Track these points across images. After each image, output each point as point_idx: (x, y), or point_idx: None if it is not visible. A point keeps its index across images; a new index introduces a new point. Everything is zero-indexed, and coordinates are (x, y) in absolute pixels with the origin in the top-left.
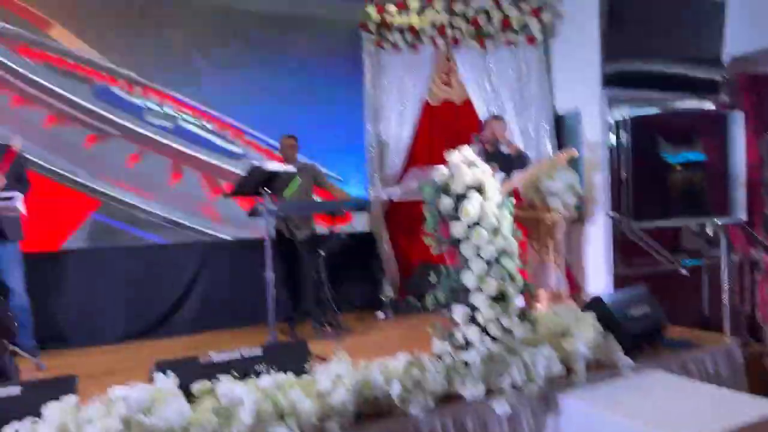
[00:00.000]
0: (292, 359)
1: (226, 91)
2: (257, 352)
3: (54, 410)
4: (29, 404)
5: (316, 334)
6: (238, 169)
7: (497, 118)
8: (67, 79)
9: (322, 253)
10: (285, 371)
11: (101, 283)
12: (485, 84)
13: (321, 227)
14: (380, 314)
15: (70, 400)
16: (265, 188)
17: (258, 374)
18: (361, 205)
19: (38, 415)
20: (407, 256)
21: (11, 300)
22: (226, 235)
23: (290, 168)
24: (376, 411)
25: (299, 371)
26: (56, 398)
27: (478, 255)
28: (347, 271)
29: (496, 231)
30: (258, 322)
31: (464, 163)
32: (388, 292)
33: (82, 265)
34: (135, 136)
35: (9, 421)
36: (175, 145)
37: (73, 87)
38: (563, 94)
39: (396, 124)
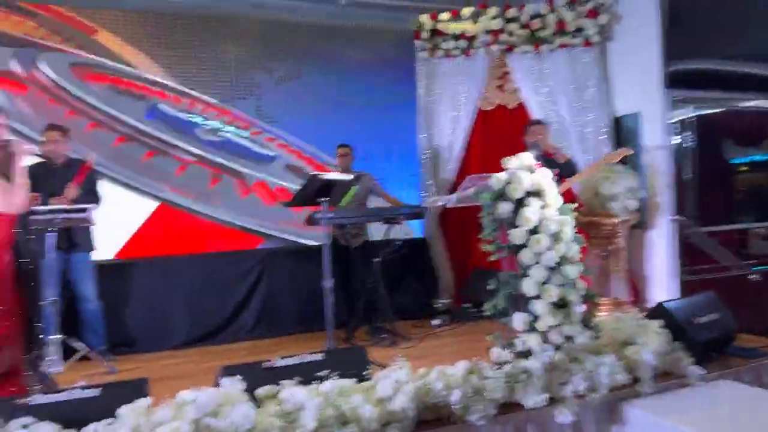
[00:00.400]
0: (352, 365)
1: (282, 103)
2: (318, 357)
3: (128, 412)
4: (106, 405)
5: (372, 340)
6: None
7: (537, 122)
8: (143, 101)
9: (377, 261)
10: (345, 377)
11: (167, 289)
12: (540, 88)
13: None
14: (436, 321)
15: (142, 402)
16: (323, 197)
17: (319, 379)
18: (416, 213)
19: (113, 415)
20: (462, 262)
21: (84, 306)
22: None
23: (347, 177)
24: (436, 418)
25: (359, 377)
26: (130, 400)
27: (538, 262)
28: (402, 278)
29: (556, 237)
30: (315, 328)
31: (522, 168)
32: (443, 299)
33: (149, 272)
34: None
35: (88, 421)
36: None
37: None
38: (622, 96)
39: (449, 130)
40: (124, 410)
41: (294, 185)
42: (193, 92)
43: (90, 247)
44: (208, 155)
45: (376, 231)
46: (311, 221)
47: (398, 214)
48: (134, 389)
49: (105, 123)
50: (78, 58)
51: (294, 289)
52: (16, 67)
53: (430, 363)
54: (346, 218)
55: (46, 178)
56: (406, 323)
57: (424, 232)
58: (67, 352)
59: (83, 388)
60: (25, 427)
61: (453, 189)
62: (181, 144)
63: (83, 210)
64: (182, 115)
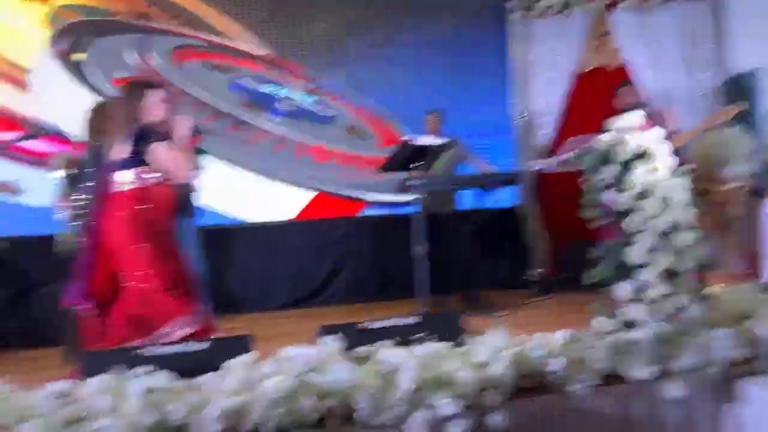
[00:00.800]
0: (447, 330)
1: (374, 71)
2: (413, 320)
3: (236, 365)
4: (213, 358)
5: (463, 308)
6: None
7: (627, 83)
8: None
9: (468, 228)
10: (440, 341)
11: (267, 254)
12: (645, 47)
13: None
14: (528, 291)
15: (248, 356)
16: (415, 163)
17: (414, 342)
18: (510, 179)
19: (221, 367)
20: (558, 231)
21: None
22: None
23: (439, 142)
24: (535, 385)
25: (454, 342)
26: (236, 354)
27: (647, 228)
28: (494, 246)
29: (666, 201)
30: (405, 295)
31: (629, 129)
32: (537, 269)
33: (250, 238)
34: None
35: (197, 372)
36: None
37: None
38: (740, 53)
39: (544, 93)
40: (231, 363)
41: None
42: (283, 61)
43: (192, 213)
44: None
45: (468, 198)
46: (403, 188)
47: (491, 181)
48: (240, 344)
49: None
50: (182, 39)
51: (385, 256)
52: (132, 58)
53: (525, 332)
54: (438, 185)
55: None
56: (497, 292)
57: (517, 199)
58: None
59: (193, 341)
60: (143, 374)
61: (547, 155)
62: (266, 114)
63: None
64: (270, 87)
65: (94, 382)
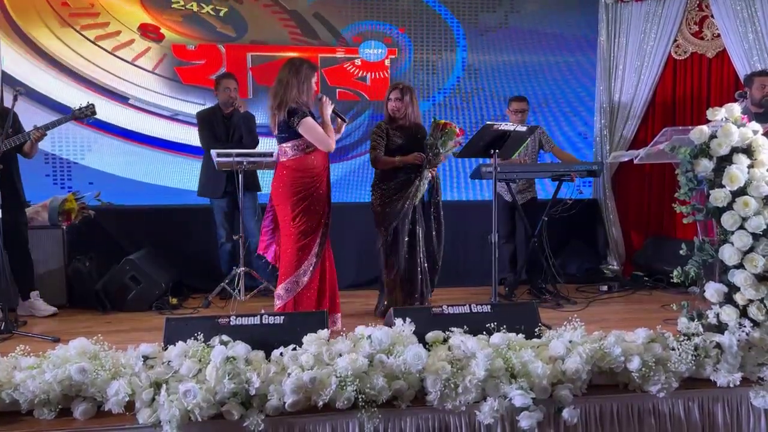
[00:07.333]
0: (522, 320)
1: (482, 55)
2: (486, 309)
3: (311, 340)
4: (289, 332)
5: (534, 300)
6: None
7: (764, 73)
8: None
9: (544, 219)
10: (513, 332)
11: (337, 234)
12: (748, 34)
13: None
14: (603, 287)
15: (323, 332)
16: (494, 149)
17: (488, 331)
18: (590, 170)
19: (294, 341)
20: (636, 227)
21: (250, 240)
22: None
23: (522, 128)
24: (610, 383)
25: (528, 333)
26: (310, 330)
27: (743, 227)
28: (569, 239)
29: (766, 200)
30: (472, 282)
31: (729, 121)
32: (612, 264)
33: None
34: None
35: (272, 344)
36: None
37: None
38: None
39: (633, 82)
40: (307, 339)
41: None
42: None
43: (256, 189)
44: None
45: (548, 188)
46: (478, 174)
47: (571, 171)
48: (315, 320)
49: None
50: None
51: (455, 242)
52: None
53: (598, 329)
54: (515, 172)
55: (217, 124)
56: (569, 286)
57: (595, 192)
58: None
59: (269, 315)
60: (224, 343)
61: (632, 147)
62: None
63: (270, 155)
64: None
65: (178, 348)
